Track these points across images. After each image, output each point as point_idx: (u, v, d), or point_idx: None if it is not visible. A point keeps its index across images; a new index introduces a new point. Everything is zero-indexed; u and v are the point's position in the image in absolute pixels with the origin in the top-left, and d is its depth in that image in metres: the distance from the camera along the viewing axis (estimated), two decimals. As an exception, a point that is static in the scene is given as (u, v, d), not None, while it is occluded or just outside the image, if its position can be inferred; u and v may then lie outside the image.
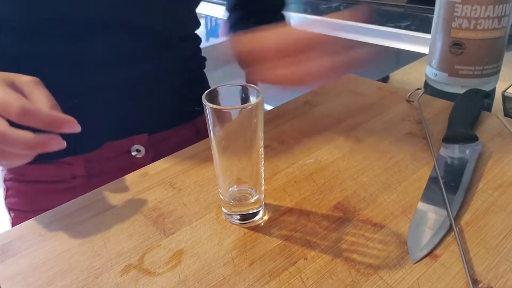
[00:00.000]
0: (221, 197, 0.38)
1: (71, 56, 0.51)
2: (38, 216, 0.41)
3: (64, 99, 0.53)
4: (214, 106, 0.32)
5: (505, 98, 0.57)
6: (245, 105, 0.32)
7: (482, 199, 0.39)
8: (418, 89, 0.59)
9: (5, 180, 0.59)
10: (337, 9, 1.20)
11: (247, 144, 0.35)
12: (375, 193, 0.41)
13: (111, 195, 0.43)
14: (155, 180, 0.45)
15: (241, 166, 0.37)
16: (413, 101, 0.58)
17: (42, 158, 0.55)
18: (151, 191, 0.43)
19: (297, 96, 0.62)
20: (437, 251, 0.34)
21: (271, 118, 0.56)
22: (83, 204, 0.42)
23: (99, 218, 0.40)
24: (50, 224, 0.40)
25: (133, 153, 0.55)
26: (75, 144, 0.56)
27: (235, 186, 0.38)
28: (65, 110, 0.54)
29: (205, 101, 0.33)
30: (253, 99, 0.35)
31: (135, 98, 0.55)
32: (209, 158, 0.48)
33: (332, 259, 0.34)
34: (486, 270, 0.32)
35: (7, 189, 0.59)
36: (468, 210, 0.38)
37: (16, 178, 0.57)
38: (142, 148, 0.56)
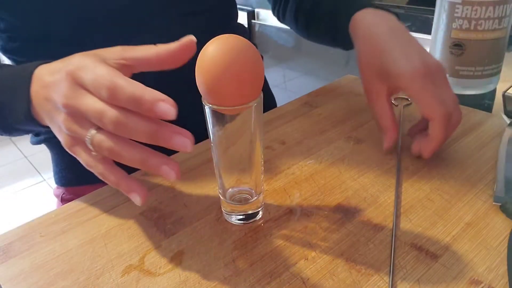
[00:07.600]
0: (221, 197, 0.38)
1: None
2: (38, 216, 0.41)
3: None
4: (214, 106, 0.32)
5: (506, 98, 0.57)
6: (245, 105, 0.32)
7: (483, 199, 0.39)
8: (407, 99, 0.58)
9: (62, 200, 0.58)
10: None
11: (247, 145, 0.35)
12: (376, 193, 0.41)
13: (111, 196, 0.43)
14: (155, 181, 0.45)
15: (241, 167, 0.37)
16: (397, 105, 0.57)
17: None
18: (151, 192, 0.43)
19: (298, 97, 0.62)
20: (438, 252, 0.34)
21: (271, 119, 0.56)
22: (84, 205, 0.42)
23: (100, 219, 0.40)
24: (51, 225, 0.40)
25: None
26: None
27: (235, 186, 0.38)
28: None
29: (204, 101, 0.33)
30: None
31: None
32: (209, 159, 0.48)
33: (333, 259, 0.34)
34: (487, 270, 0.32)
35: None
36: (469, 211, 0.38)
37: (73, 199, 0.56)
38: None
